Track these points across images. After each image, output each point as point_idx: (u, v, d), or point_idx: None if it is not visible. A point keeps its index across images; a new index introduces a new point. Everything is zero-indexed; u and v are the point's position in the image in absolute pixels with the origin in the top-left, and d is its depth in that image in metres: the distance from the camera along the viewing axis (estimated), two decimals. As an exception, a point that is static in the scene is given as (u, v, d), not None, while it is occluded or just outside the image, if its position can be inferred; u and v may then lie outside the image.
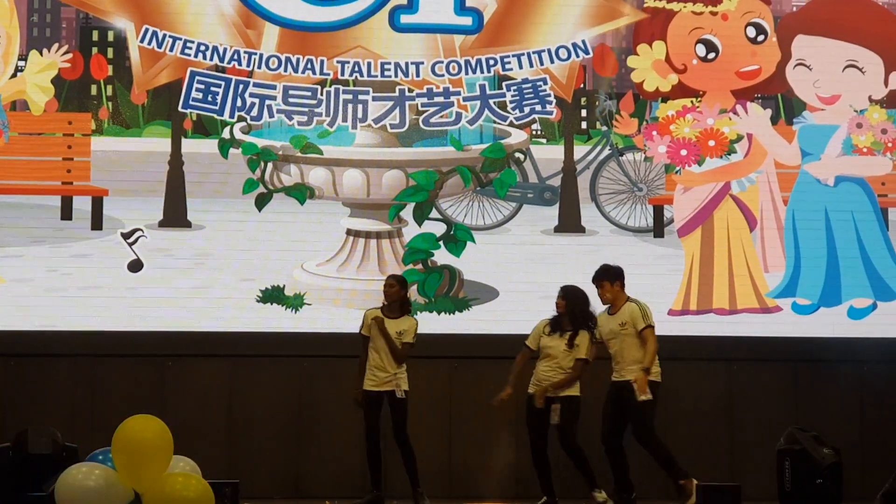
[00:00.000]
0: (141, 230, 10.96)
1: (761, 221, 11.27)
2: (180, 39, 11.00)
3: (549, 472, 9.48)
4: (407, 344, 9.51)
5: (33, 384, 10.83)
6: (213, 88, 10.99)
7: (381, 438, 9.49)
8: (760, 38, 11.38)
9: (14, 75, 11.01)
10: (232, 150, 11.01)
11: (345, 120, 11.08)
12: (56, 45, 11.06)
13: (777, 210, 11.26)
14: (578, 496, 9.53)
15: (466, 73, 11.11)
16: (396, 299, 9.62)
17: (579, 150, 11.30)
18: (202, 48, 11.00)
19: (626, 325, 9.37)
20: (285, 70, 11.04)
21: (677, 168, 11.25)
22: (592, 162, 11.32)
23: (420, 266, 11.02)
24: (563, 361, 9.36)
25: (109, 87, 11.14)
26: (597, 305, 9.49)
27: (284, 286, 10.80)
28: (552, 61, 11.18)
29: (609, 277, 9.53)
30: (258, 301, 10.89)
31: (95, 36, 11.19)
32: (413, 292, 10.72)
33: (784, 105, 11.42)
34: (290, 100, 11.03)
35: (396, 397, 9.49)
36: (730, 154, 11.23)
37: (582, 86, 11.35)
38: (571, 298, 9.46)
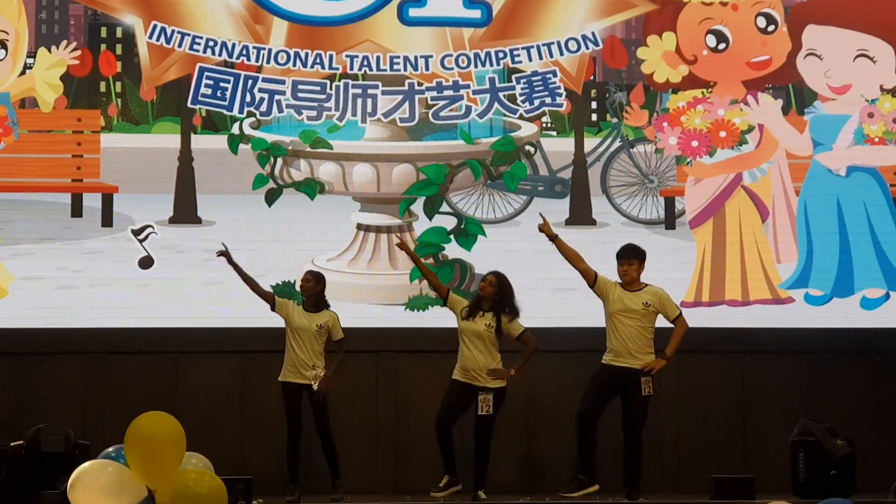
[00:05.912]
0: (151, 227, 10.95)
1: (773, 212, 11.22)
2: (189, 35, 10.99)
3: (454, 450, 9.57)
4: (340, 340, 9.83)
5: (45, 382, 10.84)
6: (222, 84, 10.98)
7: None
8: (771, 27, 11.33)
9: (23, 73, 11.01)
10: (241, 146, 11.00)
11: (354, 114, 11.06)
12: (65, 42, 11.05)
13: (789, 201, 11.22)
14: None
15: (476, 67, 11.08)
16: (312, 294, 9.79)
17: (590, 142, 11.27)
18: (211, 44, 10.99)
19: (649, 307, 9.37)
20: (294, 65, 11.02)
21: (688, 159, 11.21)
22: (603, 154, 11.29)
23: (431, 260, 11.00)
24: (488, 341, 9.46)
25: (118, 84, 11.13)
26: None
27: (295, 281, 10.77)
28: (562, 53, 11.14)
29: (641, 257, 9.59)
30: (269, 297, 10.87)
31: (104, 33, 11.18)
32: (424, 286, 10.72)
33: (795, 95, 11.38)
34: (300, 94, 11.02)
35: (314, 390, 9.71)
36: (741, 145, 11.19)
37: (592, 78, 11.32)
38: (503, 286, 9.57)
